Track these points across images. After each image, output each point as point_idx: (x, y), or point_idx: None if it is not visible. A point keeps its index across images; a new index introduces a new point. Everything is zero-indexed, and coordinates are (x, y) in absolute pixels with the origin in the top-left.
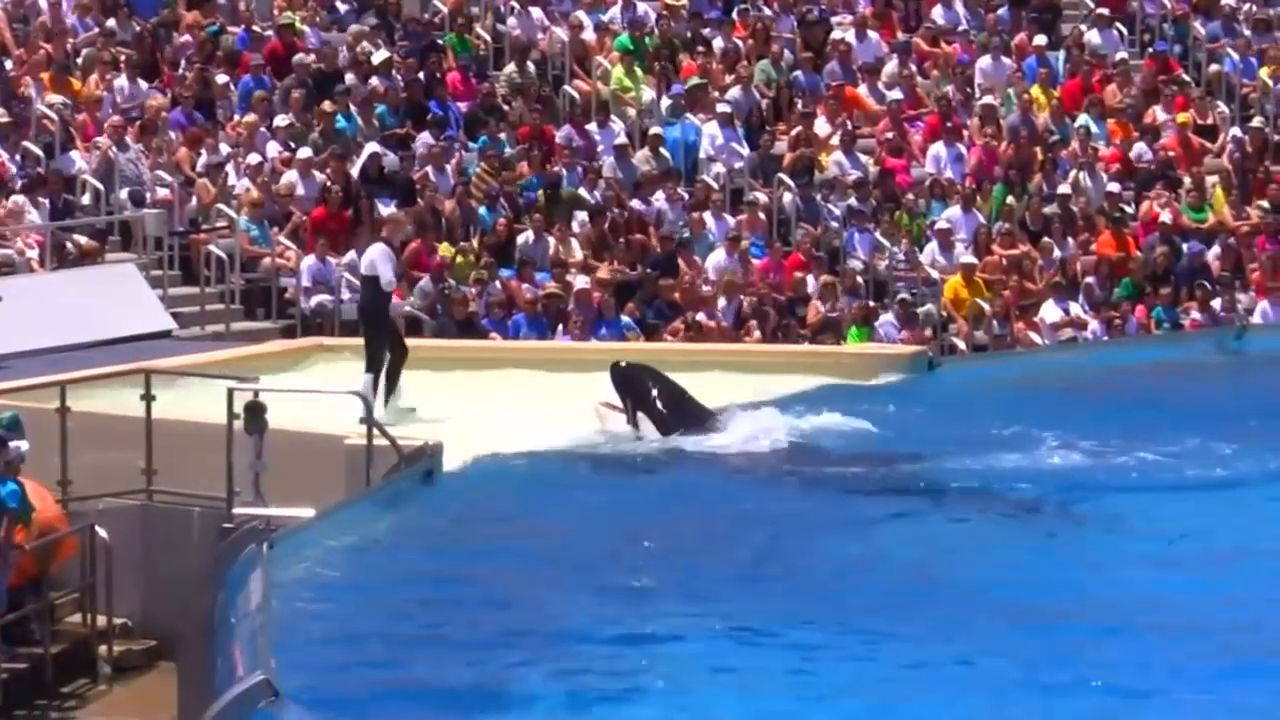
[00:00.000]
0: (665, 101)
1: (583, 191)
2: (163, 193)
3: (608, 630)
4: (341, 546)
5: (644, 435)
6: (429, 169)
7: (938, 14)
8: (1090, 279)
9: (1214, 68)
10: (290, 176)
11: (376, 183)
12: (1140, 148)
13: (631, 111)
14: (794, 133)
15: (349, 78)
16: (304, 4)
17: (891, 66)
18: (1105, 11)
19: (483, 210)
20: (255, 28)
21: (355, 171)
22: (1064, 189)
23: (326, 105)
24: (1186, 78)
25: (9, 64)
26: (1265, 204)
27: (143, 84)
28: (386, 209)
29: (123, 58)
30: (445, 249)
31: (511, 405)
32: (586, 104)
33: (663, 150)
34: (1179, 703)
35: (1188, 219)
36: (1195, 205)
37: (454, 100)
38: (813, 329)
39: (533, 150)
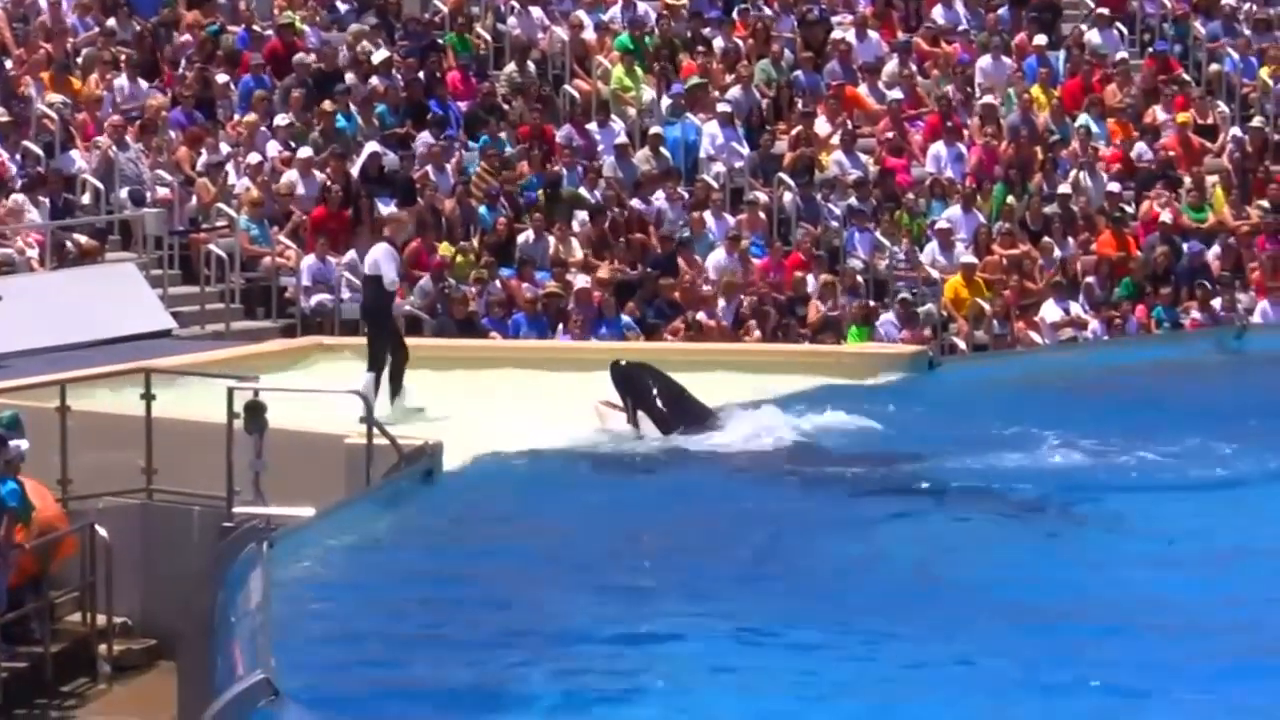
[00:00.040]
0: (665, 101)
1: (583, 191)
2: (163, 192)
3: (608, 630)
4: (341, 546)
5: (644, 434)
6: (429, 168)
7: (938, 14)
8: (1090, 279)
9: (1214, 67)
10: (290, 176)
11: (377, 182)
12: (1140, 147)
13: (632, 111)
14: (794, 132)
15: (349, 77)
16: (304, 3)
17: (892, 66)
18: (1105, 11)
19: (483, 210)
20: (255, 27)
21: (355, 171)
22: (1064, 189)
23: (327, 105)
24: (1187, 77)
25: (9, 63)
26: (1265, 204)
27: (143, 83)
28: (386, 208)
29: (123, 57)
30: (445, 248)
31: (511, 405)
32: (587, 103)
33: (663, 150)
34: (1179, 703)
35: (1188, 219)
36: (1195, 205)
37: (454, 100)
38: (813, 328)
39: (533, 150)
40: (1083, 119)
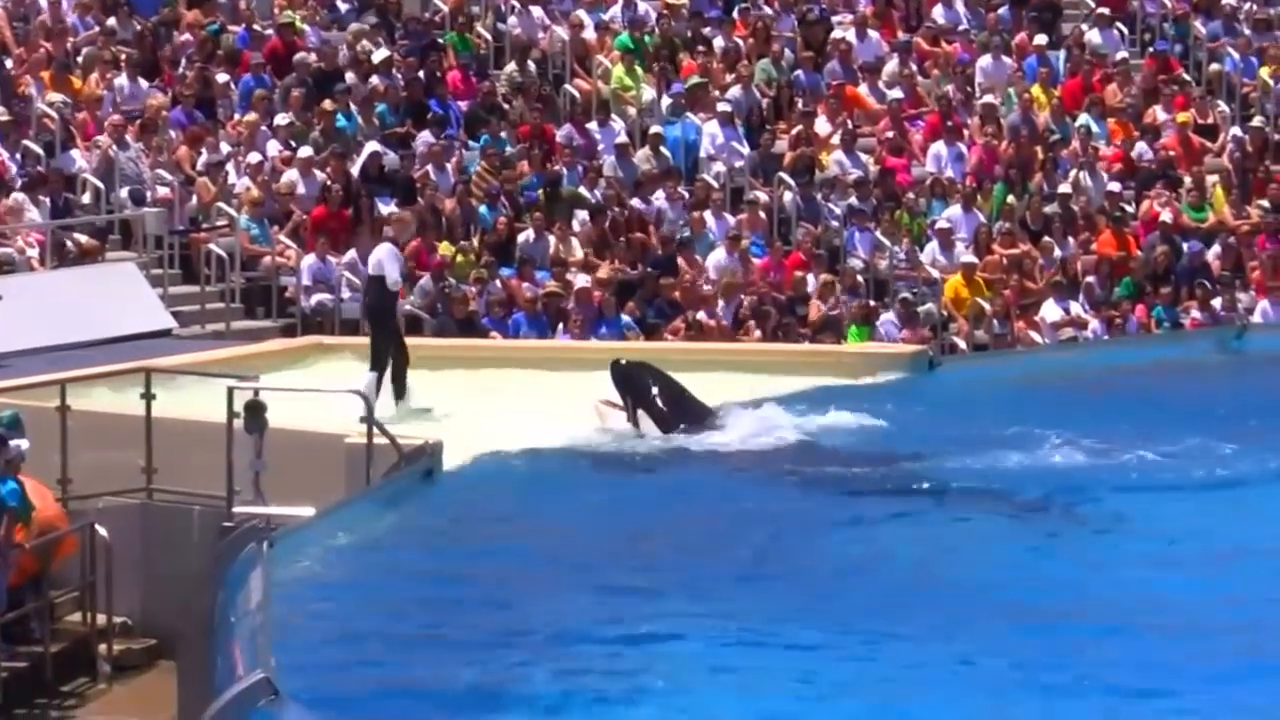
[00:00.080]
0: (666, 100)
1: (583, 190)
2: (163, 191)
3: (608, 630)
4: (342, 546)
5: (644, 433)
6: (429, 168)
7: (938, 13)
8: (1091, 278)
9: (1214, 67)
10: (290, 175)
11: (377, 181)
12: (1141, 147)
13: (632, 110)
14: (794, 132)
15: (349, 76)
16: (304, 3)
17: (892, 66)
18: (1106, 11)
19: (483, 209)
20: (255, 26)
21: (355, 170)
22: (1064, 188)
23: (327, 104)
24: (1187, 77)
25: (9, 63)
26: (1265, 203)
27: (143, 83)
28: (387, 208)
29: (123, 56)
30: (445, 248)
31: (512, 404)
32: (587, 103)
33: (663, 149)
34: (1179, 703)
35: (1188, 218)
36: (1195, 205)
37: (454, 99)
38: (814, 327)
39: (533, 149)
40: (1083, 119)
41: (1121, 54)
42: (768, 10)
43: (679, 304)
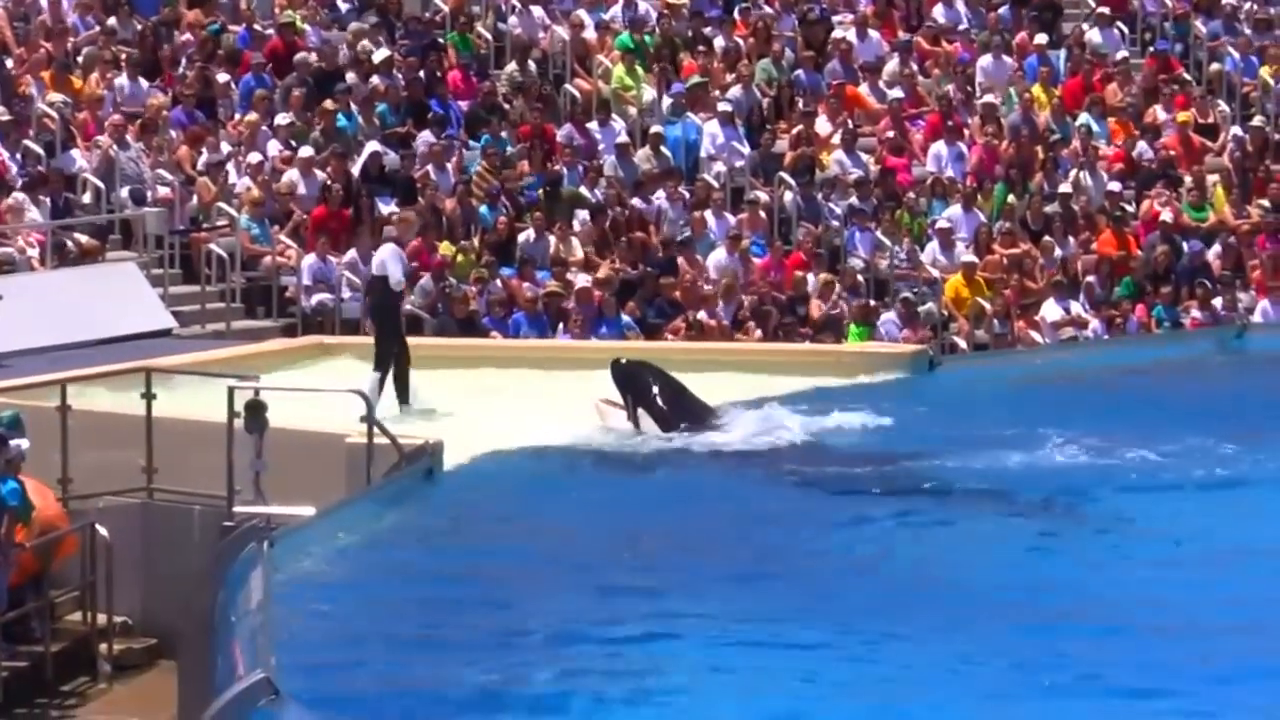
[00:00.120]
0: (666, 100)
1: (584, 190)
2: (163, 191)
3: (608, 630)
4: (342, 545)
5: (645, 432)
6: (430, 167)
7: (939, 13)
8: (1091, 278)
9: (1215, 66)
10: (291, 175)
11: (377, 181)
12: (1141, 147)
13: (632, 110)
14: (795, 131)
15: (350, 76)
16: (305, 3)
17: (892, 65)
18: (1106, 10)
19: (483, 209)
20: (256, 26)
21: (356, 170)
22: (1065, 188)
23: (327, 104)
24: (1187, 76)
25: (10, 62)
26: (1266, 203)
27: (143, 82)
28: (387, 207)
29: (123, 56)
30: (446, 247)
31: (512, 404)
32: (587, 103)
33: (663, 149)
34: (1179, 703)
35: (1188, 218)
36: (1196, 204)
37: (455, 99)
38: (815, 325)
39: (534, 149)
40: (1083, 118)
41: (1122, 53)
42: (768, 10)
43: (679, 304)
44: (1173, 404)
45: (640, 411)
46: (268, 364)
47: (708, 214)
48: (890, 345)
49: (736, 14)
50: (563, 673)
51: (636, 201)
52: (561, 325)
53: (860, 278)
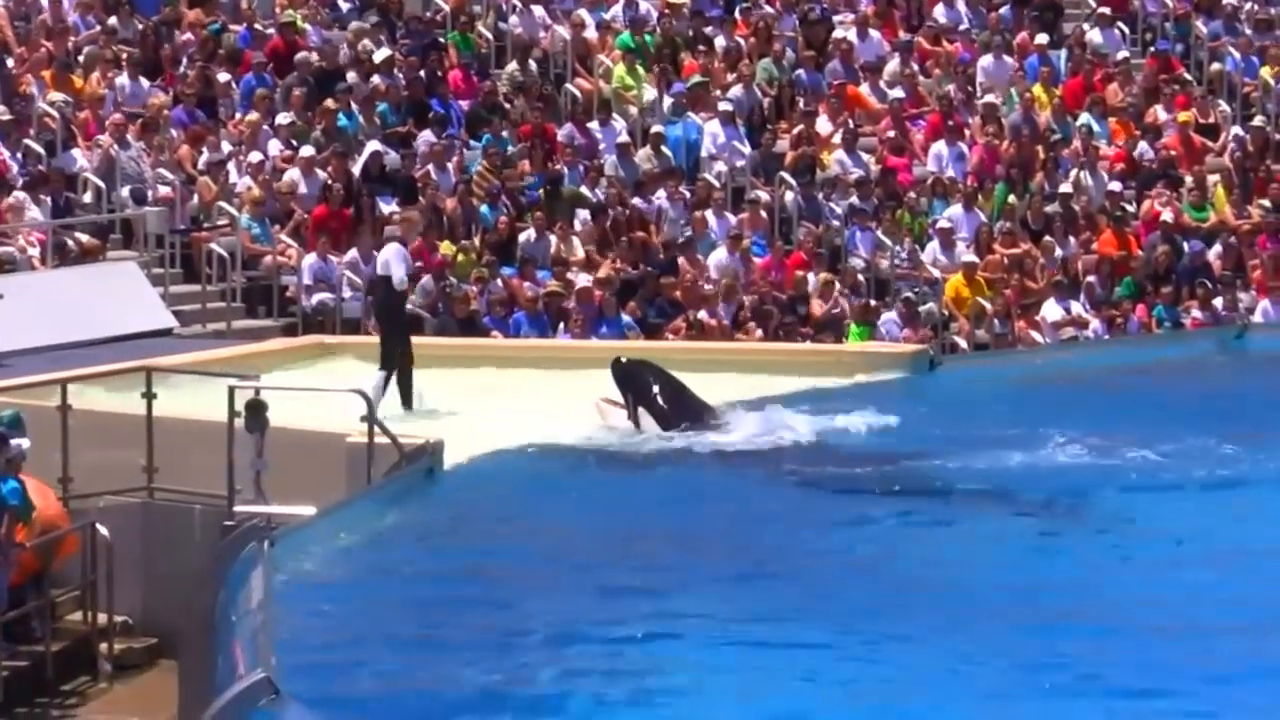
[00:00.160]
0: (667, 100)
1: (584, 190)
2: (164, 191)
3: (608, 630)
4: (342, 545)
5: (645, 431)
6: (430, 167)
7: (939, 13)
8: (1091, 278)
9: (1215, 67)
10: (292, 174)
11: (378, 181)
12: (1142, 147)
13: (633, 110)
14: (795, 131)
15: (350, 76)
16: (305, 2)
17: (893, 65)
18: (1107, 10)
19: (484, 208)
20: (257, 26)
21: (357, 170)
22: (1065, 188)
23: (328, 103)
24: (1188, 76)
25: (10, 62)
26: (1266, 203)
27: (144, 82)
28: (388, 207)
29: (124, 56)
30: (447, 247)
31: (513, 403)
32: (588, 102)
33: (664, 149)
34: (1179, 703)
35: (1189, 218)
36: (1196, 204)
37: (455, 98)
38: (816, 325)
39: (534, 149)
40: (1084, 118)
41: (1123, 53)
42: (769, 9)
43: (680, 303)
44: (1173, 404)
45: (641, 410)
46: (268, 363)
47: (708, 214)
48: (891, 345)
49: (737, 14)
50: (563, 672)
51: (637, 201)
52: (562, 325)
53: (861, 277)
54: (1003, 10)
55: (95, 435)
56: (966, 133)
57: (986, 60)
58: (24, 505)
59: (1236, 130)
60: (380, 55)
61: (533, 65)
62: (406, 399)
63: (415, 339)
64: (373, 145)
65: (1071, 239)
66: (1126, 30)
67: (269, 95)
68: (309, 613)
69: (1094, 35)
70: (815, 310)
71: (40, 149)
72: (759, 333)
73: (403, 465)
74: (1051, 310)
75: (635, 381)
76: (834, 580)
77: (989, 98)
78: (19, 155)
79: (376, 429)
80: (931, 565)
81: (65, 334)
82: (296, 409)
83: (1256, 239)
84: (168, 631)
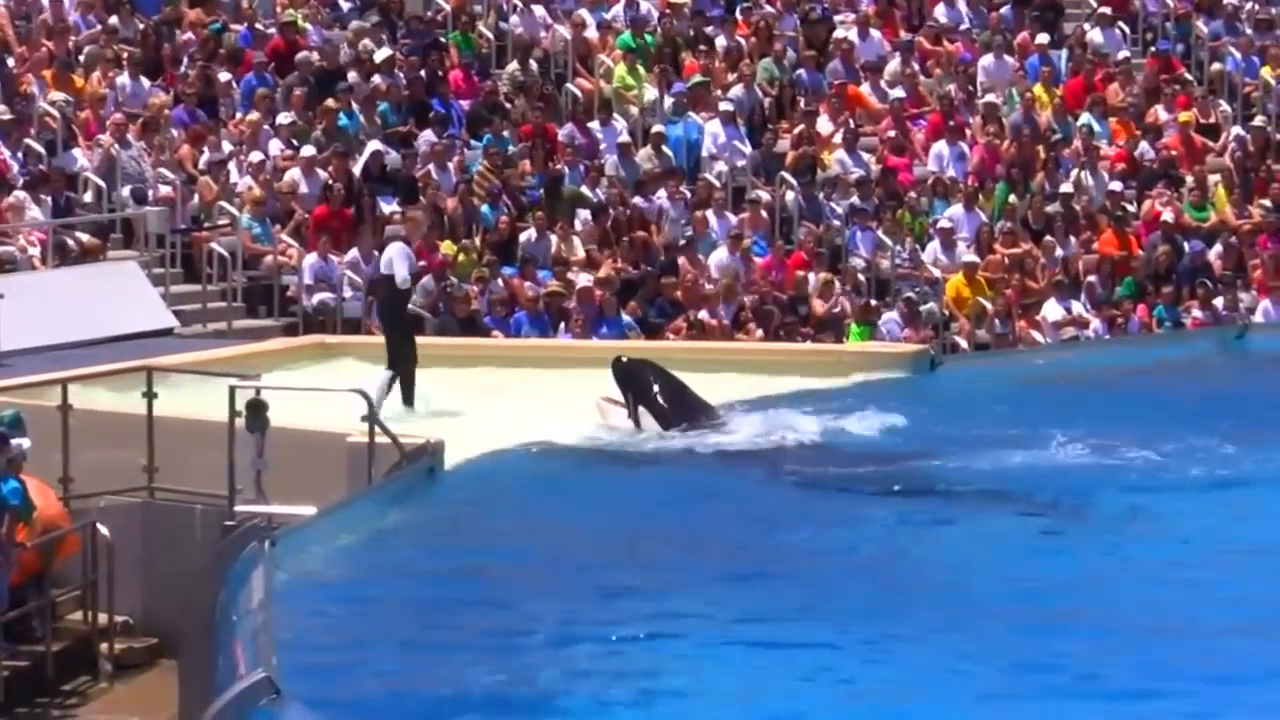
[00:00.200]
0: (668, 100)
1: (585, 190)
2: (165, 190)
3: (609, 630)
4: (343, 545)
5: (645, 430)
6: (431, 167)
7: (940, 12)
8: (1092, 278)
9: (1216, 66)
10: (292, 174)
11: (379, 180)
12: (1142, 146)
13: (634, 110)
14: (796, 131)
15: (351, 75)
16: (306, 2)
17: (894, 65)
18: (1108, 10)
19: (485, 208)
20: (258, 25)
21: (357, 169)
22: (1066, 188)
23: (329, 103)
24: (1189, 76)
25: (11, 61)
26: (1267, 203)
27: (145, 81)
28: (389, 207)
29: (125, 55)
30: (447, 247)
31: (513, 403)
32: (589, 102)
33: (665, 148)
34: (1179, 703)
35: (1190, 218)
36: (1197, 204)
37: (456, 98)
38: (816, 324)
39: (535, 148)
40: (1085, 118)
41: (1123, 53)
42: (770, 9)
43: (680, 303)
44: (1174, 404)
45: (641, 410)
46: (269, 363)
47: (709, 213)
48: (891, 345)
49: (738, 13)
50: (564, 672)
51: (638, 201)
52: (563, 325)
53: (861, 277)
54: (1003, 10)
55: (96, 435)
56: (967, 132)
57: (987, 60)
58: (25, 505)
59: (1237, 130)
60: (381, 55)
61: (533, 65)
62: (408, 398)
63: (416, 339)
64: (373, 145)
65: (1072, 239)
66: (1127, 30)
67: (270, 95)
68: (310, 613)
69: (1095, 35)
70: (816, 310)
71: (41, 148)
72: (759, 333)
73: (403, 465)
74: (1052, 310)
75: (636, 381)
76: (834, 580)
77: (990, 97)
78: (19, 155)
79: (377, 429)
80: (931, 565)
81: (66, 334)
82: (297, 409)
83: (1257, 239)
84: (168, 631)
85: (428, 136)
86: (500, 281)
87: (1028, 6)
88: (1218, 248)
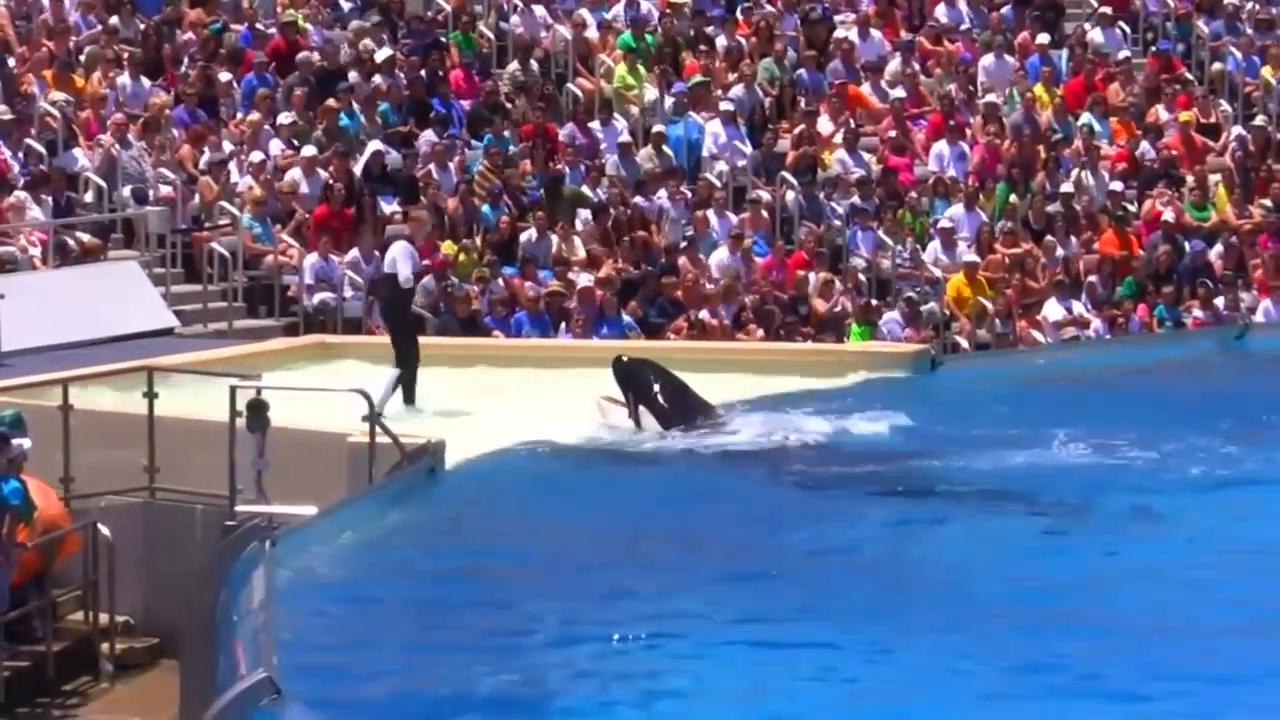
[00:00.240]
0: (668, 100)
1: (585, 190)
2: (165, 190)
3: (609, 630)
4: (344, 545)
5: (646, 430)
6: (432, 167)
7: (941, 12)
8: (1093, 277)
9: (1216, 66)
10: (293, 174)
11: (379, 180)
12: (1143, 146)
13: (634, 109)
14: (797, 131)
15: (352, 75)
16: (307, 2)
17: (894, 65)
18: (1108, 10)
19: (486, 208)
20: (258, 25)
21: (358, 169)
22: (1067, 187)
23: (330, 103)
24: (1189, 76)
25: (12, 61)
26: (1268, 202)
27: (146, 81)
28: (389, 206)
29: (126, 55)
30: (448, 247)
31: (514, 403)
32: (589, 102)
33: (666, 148)
34: (1179, 703)
35: (1190, 217)
36: (1198, 204)
37: (457, 98)
38: (817, 324)
39: (536, 148)
40: (1085, 118)
41: (1124, 53)
42: (770, 9)
43: (681, 303)
44: (1175, 404)
45: (642, 409)
46: (269, 363)
47: (710, 213)
48: (892, 345)
49: (738, 13)
50: (564, 672)
51: (639, 201)
52: (563, 324)
53: (862, 277)
54: (1004, 10)
55: (97, 435)
56: (968, 132)
57: (988, 60)
58: (25, 505)
59: (1238, 130)
60: (382, 55)
61: (534, 65)
62: (410, 397)
63: (418, 338)
64: (374, 145)
65: (1073, 239)
66: (1128, 30)
67: (270, 95)
68: (310, 613)
69: (1095, 35)
70: (817, 310)
71: (41, 148)
72: (760, 332)
73: (404, 465)
74: (1053, 310)
75: (636, 380)
76: (835, 580)
77: (990, 97)
78: (20, 155)
79: (378, 429)
80: (932, 565)
81: (66, 334)
82: (298, 409)
83: (1258, 239)
84: (169, 631)
85: (428, 136)
86: (501, 281)
87: (1028, 6)
88: (1218, 247)
